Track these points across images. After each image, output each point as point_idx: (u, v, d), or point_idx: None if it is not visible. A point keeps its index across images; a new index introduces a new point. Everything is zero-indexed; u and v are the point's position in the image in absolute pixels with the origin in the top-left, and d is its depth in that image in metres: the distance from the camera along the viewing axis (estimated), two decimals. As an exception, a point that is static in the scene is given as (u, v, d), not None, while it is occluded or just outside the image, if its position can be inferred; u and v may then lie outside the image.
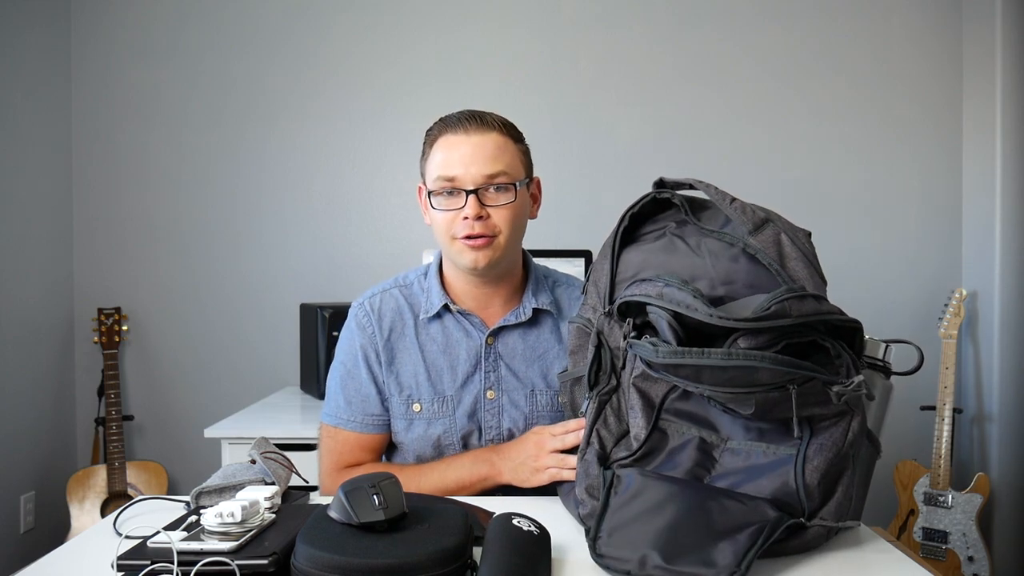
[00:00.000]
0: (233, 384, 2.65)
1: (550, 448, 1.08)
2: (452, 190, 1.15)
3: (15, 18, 2.46)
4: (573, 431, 1.06)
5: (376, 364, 1.23)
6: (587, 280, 1.08)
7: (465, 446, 1.21)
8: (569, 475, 1.03)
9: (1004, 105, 2.45)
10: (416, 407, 1.21)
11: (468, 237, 1.15)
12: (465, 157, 1.15)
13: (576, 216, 2.62)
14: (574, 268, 2.32)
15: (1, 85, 2.41)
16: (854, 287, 2.58)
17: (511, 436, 1.21)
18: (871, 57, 2.63)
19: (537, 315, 1.24)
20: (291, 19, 2.67)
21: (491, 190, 1.15)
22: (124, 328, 2.59)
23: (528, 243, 1.41)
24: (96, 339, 2.55)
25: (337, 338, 2.24)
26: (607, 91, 2.66)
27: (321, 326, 2.29)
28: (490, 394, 1.21)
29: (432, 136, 1.20)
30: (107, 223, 2.69)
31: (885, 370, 0.88)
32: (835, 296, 2.78)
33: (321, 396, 2.30)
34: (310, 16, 2.67)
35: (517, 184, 1.17)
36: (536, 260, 1.33)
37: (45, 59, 2.59)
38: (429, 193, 1.18)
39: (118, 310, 2.58)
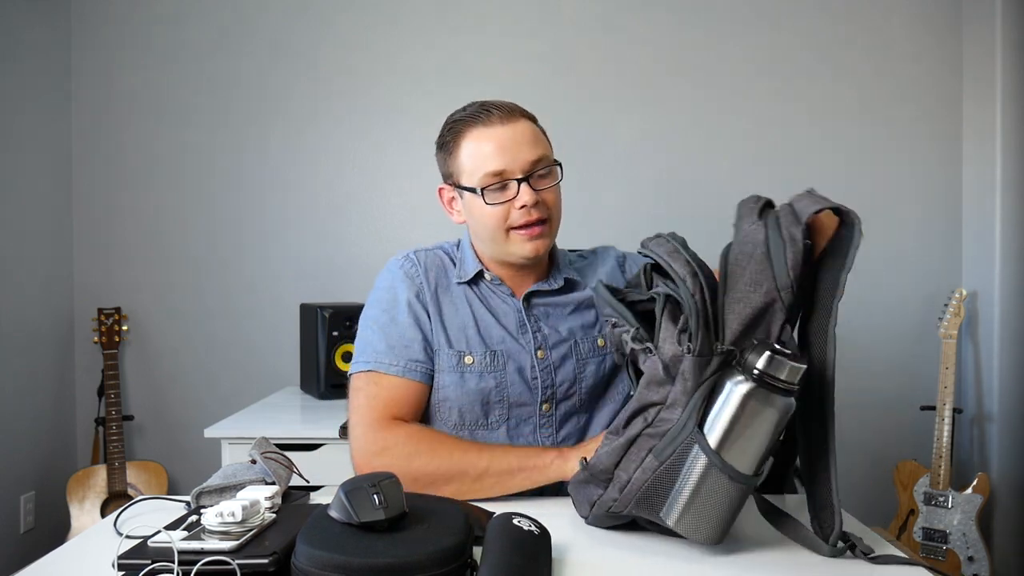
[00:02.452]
0: (233, 384, 2.65)
1: None
2: (502, 183, 1.15)
3: (15, 18, 2.46)
4: None
5: (424, 314, 1.21)
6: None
7: (510, 406, 1.20)
8: None
9: (1004, 106, 2.45)
10: (468, 359, 1.19)
11: (526, 226, 1.16)
12: (508, 147, 1.14)
13: (576, 216, 2.61)
14: (574, 268, 2.32)
15: (1, 85, 2.41)
16: (854, 287, 2.56)
17: (566, 391, 1.22)
18: (871, 58, 2.63)
19: (567, 283, 1.28)
20: (291, 20, 2.67)
21: (537, 175, 1.16)
22: (124, 328, 2.59)
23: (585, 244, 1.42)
24: (96, 339, 2.55)
25: (338, 338, 2.27)
26: (607, 92, 2.66)
27: (321, 326, 2.29)
28: (540, 353, 1.22)
29: (457, 132, 1.19)
30: (107, 223, 2.69)
31: (761, 381, 0.79)
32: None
33: (321, 396, 2.31)
34: (310, 17, 2.67)
35: (558, 164, 1.19)
36: None
37: (45, 59, 2.59)
38: (481, 190, 1.16)
39: (118, 310, 2.58)
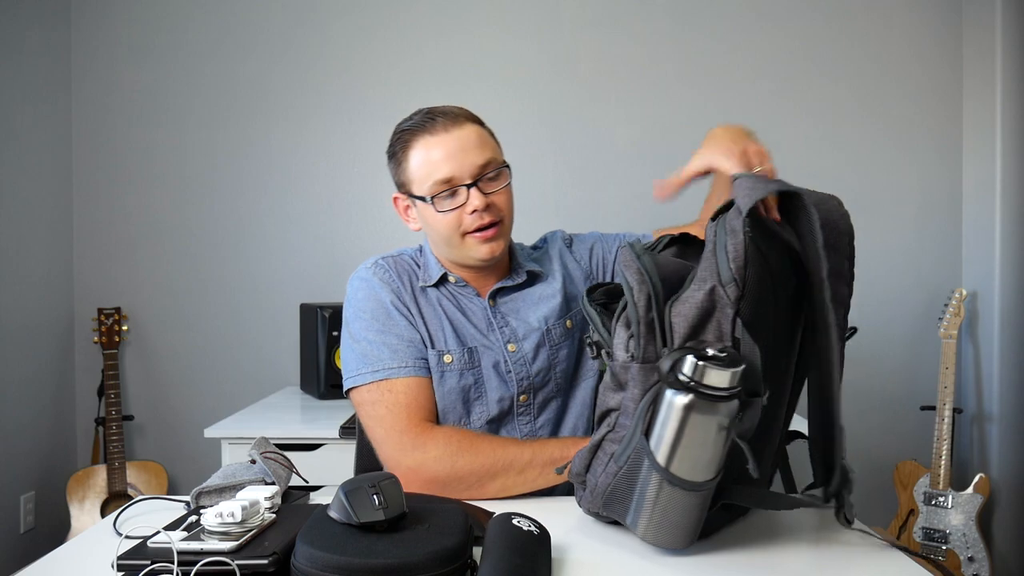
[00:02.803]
0: (233, 384, 2.65)
1: None
2: (452, 189, 1.16)
3: (15, 18, 2.46)
4: None
5: (409, 314, 1.22)
6: None
7: (489, 403, 1.22)
8: None
9: (1004, 105, 2.45)
10: (447, 358, 1.20)
11: (479, 229, 1.17)
12: (453, 153, 1.16)
13: (576, 216, 2.62)
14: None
15: (1, 85, 2.41)
16: (854, 287, 2.57)
17: (543, 379, 1.23)
18: (871, 58, 2.63)
19: (530, 276, 1.30)
20: (291, 20, 2.67)
21: (487, 179, 1.17)
22: (124, 328, 2.59)
23: (528, 242, 1.42)
24: (96, 339, 2.55)
25: (338, 337, 2.27)
26: (607, 92, 2.66)
27: (321, 326, 2.29)
28: (511, 347, 1.23)
29: (404, 142, 1.21)
30: (107, 223, 2.69)
31: (696, 391, 0.75)
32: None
33: (321, 396, 2.31)
34: (310, 17, 2.67)
35: (507, 166, 1.21)
36: None
37: (45, 59, 2.59)
38: (430, 199, 1.17)
39: (118, 310, 2.58)
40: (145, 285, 2.69)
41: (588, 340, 0.94)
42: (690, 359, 0.75)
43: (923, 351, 2.60)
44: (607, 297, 0.96)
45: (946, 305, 2.47)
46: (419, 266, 1.28)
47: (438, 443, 1.10)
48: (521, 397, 1.23)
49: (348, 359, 1.20)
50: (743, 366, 0.76)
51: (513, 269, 1.30)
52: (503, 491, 1.08)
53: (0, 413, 2.38)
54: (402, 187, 1.24)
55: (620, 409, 0.87)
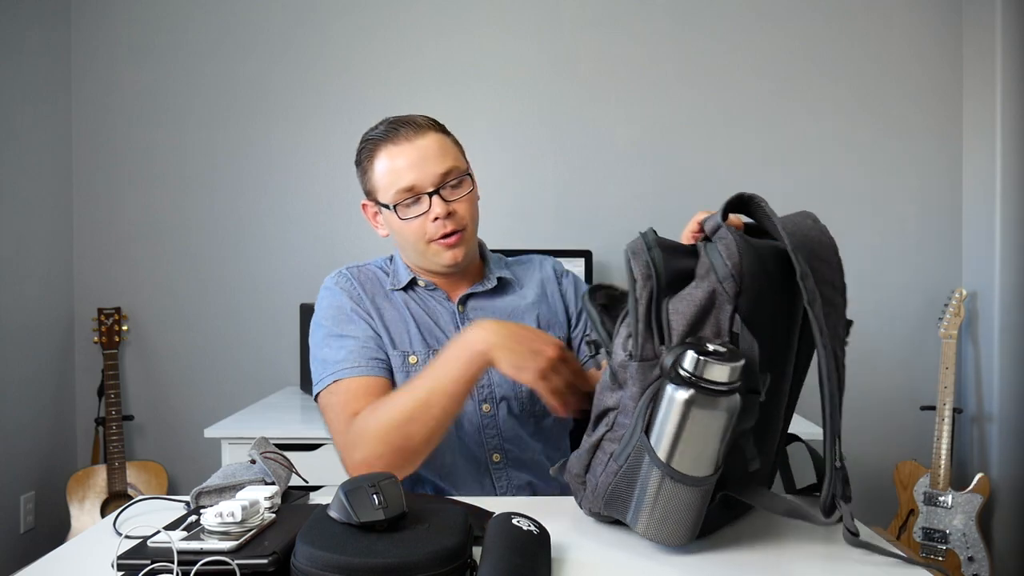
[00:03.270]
0: (233, 384, 2.65)
1: (558, 356, 1.04)
2: (415, 197, 1.18)
3: (15, 18, 2.46)
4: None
5: (368, 317, 1.23)
6: None
7: None
8: (554, 400, 1.02)
9: (1004, 105, 2.45)
10: (412, 359, 1.22)
11: (443, 236, 1.19)
12: (415, 162, 1.17)
13: (576, 216, 2.62)
14: (574, 268, 2.32)
15: (1, 85, 2.41)
16: (854, 287, 2.57)
17: (501, 394, 1.23)
18: (871, 58, 2.63)
19: (501, 283, 1.31)
20: (291, 20, 2.67)
21: (448, 187, 1.19)
22: (124, 328, 2.59)
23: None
24: (96, 339, 2.55)
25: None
26: (607, 92, 2.66)
27: (321, 326, 2.29)
28: None
29: (368, 151, 1.22)
30: (107, 223, 2.69)
31: (698, 386, 0.76)
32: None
33: (321, 396, 2.31)
34: (310, 17, 2.67)
35: (470, 174, 1.22)
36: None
37: (45, 59, 2.59)
38: (393, 207, 1.19)
39: (118, 310, 2.58)
40: (145, 285, 2.69)
41: (587, 339, 0.94)
42: (691, 354, 0.76)
43: (923, 351, 2.60)
44: (608, 300, 0.96)
45: (946, 305, 2.47)
46: (387, 273, 1.30)
47: (360, 425, 1.09)
48: (484, 406, 1.22)
49: (313, 367, 1.24)
50: (743, 360, 0.77)
51: (485, 275, 1.31)
52: (428, 430, 1.05)
53: (0, 413, 2.38)
54: (369, 195, 1.26)
55: (619, 408, 0.87)
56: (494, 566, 0.72)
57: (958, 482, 2.42)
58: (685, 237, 0.95)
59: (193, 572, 0.71)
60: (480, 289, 1.29)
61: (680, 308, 0.83)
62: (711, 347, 0.77)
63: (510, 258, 1.41)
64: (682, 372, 0.77)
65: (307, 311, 2.41)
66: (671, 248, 0.87)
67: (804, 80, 2.64)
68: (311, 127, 2.68)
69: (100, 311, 2.57)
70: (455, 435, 1.21)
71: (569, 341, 1.32)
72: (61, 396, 2.65)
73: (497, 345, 1.03)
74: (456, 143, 1.25)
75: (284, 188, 2.69)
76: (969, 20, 2.59)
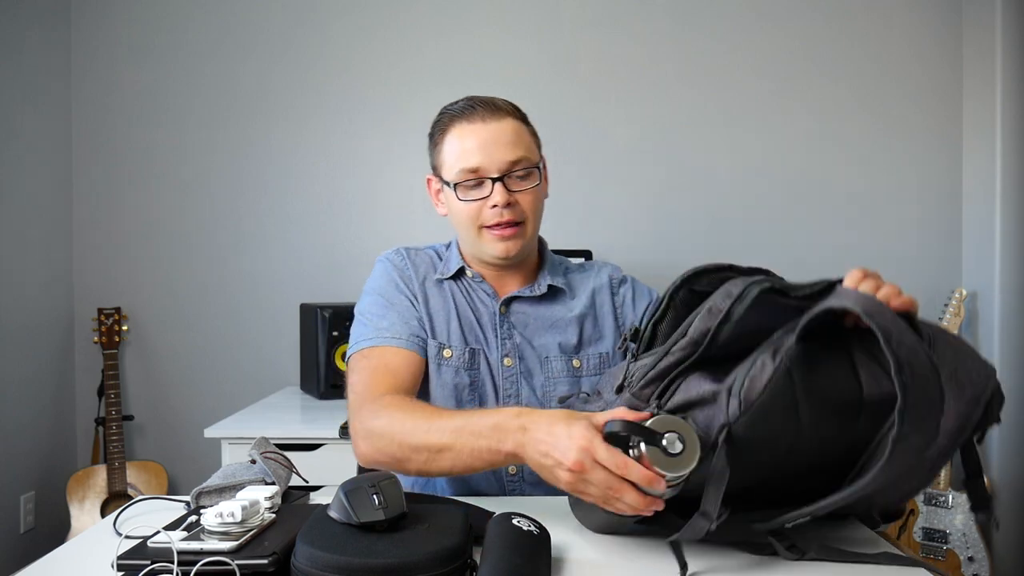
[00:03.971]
0: (233, 384, 2.65)
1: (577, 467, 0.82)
2: (477, 180, 1.15)
3: (15, 18, 2.46)
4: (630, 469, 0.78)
5: (412, 298, 1.22)
6: None
7: (481, 404, 1.19)
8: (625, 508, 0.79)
9: (1004, 105, 2.45)
10: (447, 352, 1.19)
11: (498, 225, 1.15)
12: (486, 145, 1.14)
13: (576, 216, 2.62)
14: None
15: (1, 85, 2.41)
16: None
17: (528, 403, 1.18)
18: (871, 57, 2.63)
19: (552, 291, 1.25)
20: (291, 20, 2.67)
21: (515, 176, 1.15)
22: (124, 328, 2.59)
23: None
24: (96, 339, 2.55)
25: (337, 338, 2.27)
26: (607, 91, 2.66)
27: (321, 326, 2.29)
28: (507, 361, 1.21)
29: (443, 125, 1.19)
30: (107, 223, 2.69)
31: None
32: (835, 296, 2.69)
33: (321, 396, 2.31)
34: (310, 17, 2.67)
35: (539, 167, 1.18)
36: None
37: (45, 59, 2.59)
38: (454, 185, 1.17)
39: (118, 310, 2.58)
40: (145, 285, 2.69)
41: (631, 328, 0.89)
42: (642, 445, 0.75)
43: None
44: (693, 297, 0.87)
45: (946, 305, 2.47)
46: (441, 259, 1.27)
47: (369, 440, 1.04)
48: None
49: (351, 331, 1.22)
50: (682, 474, 0.74)
51: (537, 279, 1.26)
52: (423, 468, 1.00)
53: (0, 413, 2.38)
54: (435, 169, 1.23)
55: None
56: (494, 566, 0.72)
57: (958, 482, 2.42)
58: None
59: (193, 572, 0.71)
60: (527, 294, 1.24)
61: (688, 386, 0.79)
62: (666, 442, 0.74)
63: (574, 262, 1.35)
64: (628, 443, 0.77)
65: (307, 311, 2.41)
66: (771, 311, 0.75)
67: (804, 80, 2.64)
68: (311, 127, 2.68)
69: (100, 311, 2.57)
70: None
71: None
72: (61, 396, 2.65)
73: (527, 454, 0.89)
74: (533, 134, 1.22)
75: (284, 188, 2.68)
76: (969, 20, 2.58)
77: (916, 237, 2.63)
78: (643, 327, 0.86)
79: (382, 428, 1.02)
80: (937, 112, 2.62)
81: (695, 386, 0.79)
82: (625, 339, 0.88)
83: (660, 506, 0.78)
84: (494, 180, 1.14)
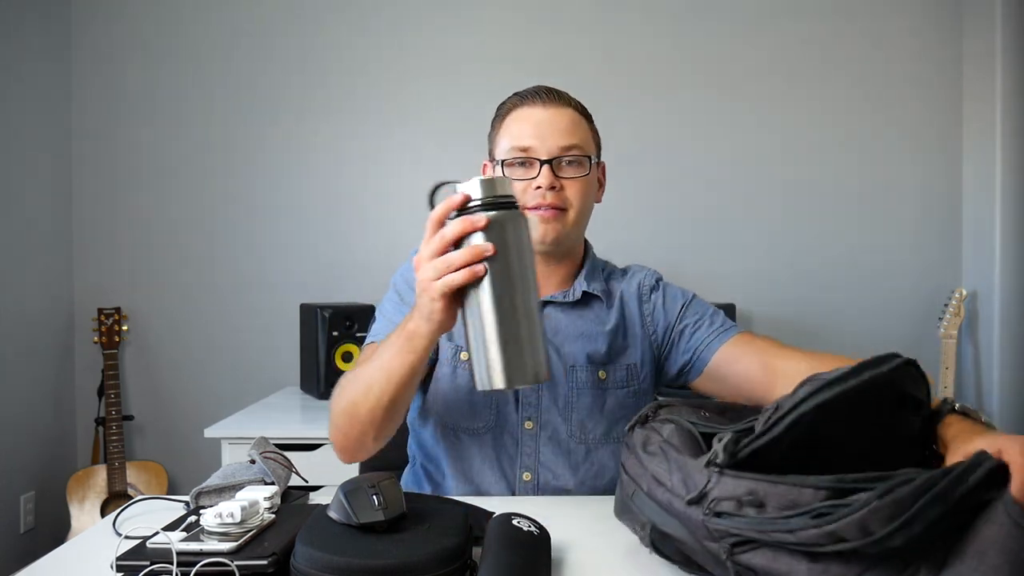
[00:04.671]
0: (233, 384, 2.65)
1: (424, 260, 0.85)
2: (526, 160, 1.14)
3: (15, 18, 2.46)
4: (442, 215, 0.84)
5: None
6: None
7: (498, 412, 1.16)
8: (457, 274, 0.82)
9: (1004, 105, 2.45)
10: (464, 356, 1.16)
11: (539, 207, 1.13)
12: (541, 128, 1.13)
13: (576, 216, 2.62)
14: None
15: (1, 85, 2.41)
16: (854, 287, 2.58)
17: (554, 415, 1.16)
18: (871, 57, 2.63)
19: (586, 298, 1.21)
20: (291, 20, 2.67)
21: (565, 162, 1.14)
22: (124, 328, 2.59)
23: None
24: (96, 339, 2.55)
25: (337, 337, 2.28)
26: (607, 91, 2.65)
27: (321, 326, 2.29)
28: None
29: (506, 109, 1.19)
30: (107, 223, 2.69)
31: None
32: (836, 297, 2.80)
33: (321, 396, 2.31)
34: (310, 16, 2.67)
35: (591, 159, 1.17)
36: None
37: (45, 59, 2.59)
38: (502, 162, 1.15)
39: (118, 310, 2.58)
40: (145, 285, 2.69)
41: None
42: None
43: (923, 351, 2.59)
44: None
45: (946, 305, 2.47)
46: None
47: (329, 413, 1.08)
48: (526, 423, 1.15)
49: (376, 316, 1.24)
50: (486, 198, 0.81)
51: (573, 285, 1.21)
52: (371, 413, 0.99)
53: (0, 413, 2.38)
54: (490, 154, 1.22)
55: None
56: (494, 566, 0.72)
57: (958, 482, 2.42)
58: None
59: (193, 573, 0.71)
60: (560, 299, 1.19)
61: (673, 435, 0.79)
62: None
63: (618, 268, 1.30)
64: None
65: (307, 311, 2.41)
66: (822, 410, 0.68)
67: (804, 80, 2.64)
68: (312, 127, 2.68)
69: (100, 311, 2.57)
70: (490, 443, 1.15)
71: (658, 362, 1.22)
72: (61, 396, 2.65)
73: (418, 311, 0.90)
74: (593, 131, 1.21)
75: (284, 188, 2.68)
76: (969, 20, 2.58)
77: (916, 237, 2.63)
78: (742, 444, 0.71)
79: (331, 402, 1.06)
80: (937, 112, 2.62)
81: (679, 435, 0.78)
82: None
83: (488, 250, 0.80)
84: (543, 162, 1.13)
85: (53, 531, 2.54)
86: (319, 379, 2.30)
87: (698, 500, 0.68)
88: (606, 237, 2.60)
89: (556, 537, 0.85)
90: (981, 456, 0.61)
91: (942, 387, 2.40)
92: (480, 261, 0.81)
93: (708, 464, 0.69)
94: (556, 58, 2.65)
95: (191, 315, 2.69)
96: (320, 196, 2.68)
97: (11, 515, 2.44)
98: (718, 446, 0.69)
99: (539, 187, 1.12)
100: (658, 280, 1.28)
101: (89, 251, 2.70)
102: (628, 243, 2.64)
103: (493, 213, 0.81)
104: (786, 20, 2.63)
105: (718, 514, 0.67)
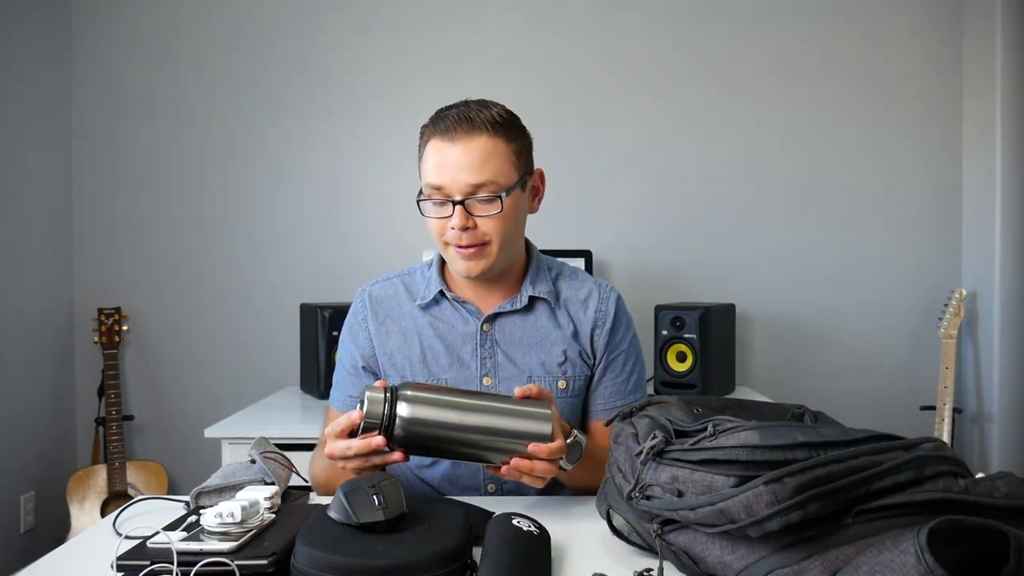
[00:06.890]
0: (233, 384, 2.65)
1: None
2: (441, 200, 1.13)
3: (15, 18, 2.46)
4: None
5: (366, 345, 1.24)
6: None
7: None
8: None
9: (1004, 105, 2.45)
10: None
11: (459, 246, 1.14)
12: (451, 165, 1.11)
13: (576, 216, 2.62)
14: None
15: (1, 85, 2.41)
16: (854, 287, 2.58)
17: None
18: (871, 57, 2.63)
19: (534, 302, 1.22)
20: (290, 19, 2.67)
21: (476, 200, 1.11)
22: (124, 328, 2.59)
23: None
24: (96, 339, 2.55)
25: (338, 337, 2.26)
26: (607, 90, 2.66)
27: (321, 326, 2.29)
28: (487, 380, 1.18)
29: (425, 137, 1.18)
30: (107, 223, 2.69)
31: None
32: (836, 297, 2.80)
33: (321, 396, 2.31)
34: (310, 16, 2.67)
35: (504, 195, 1.12)
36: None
37: (45, 59, 2.59)
38: (418, 202, 1.16)
39: (118, 310, 2.58)
40: (145, 285, 2.69)
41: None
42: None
43: (923, 351, 2.60)
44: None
45: (946, 305, 2.47)
46: (425, 278, 1.26)
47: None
48: None
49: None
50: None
51: (520, 292, 1.22)
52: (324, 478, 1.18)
53: (0, 413, 2.38)
54: (421, 179, 1.21)
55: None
56: (494, 566, 0.72)
57: None
58: None
59: (193, 573, 0.71)
60: (508, 308, 1.20)
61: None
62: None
63: (568, 268, 1.29)
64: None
65: (307, 311, 2.41)
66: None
67: (803, 81, 2.64)
68: (310, 127, 2.68)
69: (100, 311, 2.57)
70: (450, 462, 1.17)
71: (589, 381, 1.24)
72: (61, 396, 2.65)
73: None
74: (516, 151, 1.15)
75: (284, 188, 2.68)
76: (969, 20, 2.58)
77: (916, 237, 2.63)
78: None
79: (310, 473, 1.22)
80: (937, 112, 2.62)
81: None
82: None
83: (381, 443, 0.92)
84: (455, 203, 1.12)
85: (53, 531, 2.54)
86: (319, 379, 2.30)
87: (635, 486, 0.79)
88: (606, 237, 2.62)
89: (556, 537, 0.85)
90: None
91: (942, 387, 2.40)
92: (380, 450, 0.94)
93: (637, 455, 0.80)
94: (556, 58, 2.65)
95: (191, 315, 2.69)
96: (320, 196, 2.68)
97: (11, 515, 2.44)
98: (646, 444, 0.79)
99: (453, 227, 1.13)
100: (617, 313, 1.25)
101: (89, 251, 2.70)
102: (628, 243, 2.64)
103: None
104: (786, 20, 2.63)
105: (647, 497, 0.78)
